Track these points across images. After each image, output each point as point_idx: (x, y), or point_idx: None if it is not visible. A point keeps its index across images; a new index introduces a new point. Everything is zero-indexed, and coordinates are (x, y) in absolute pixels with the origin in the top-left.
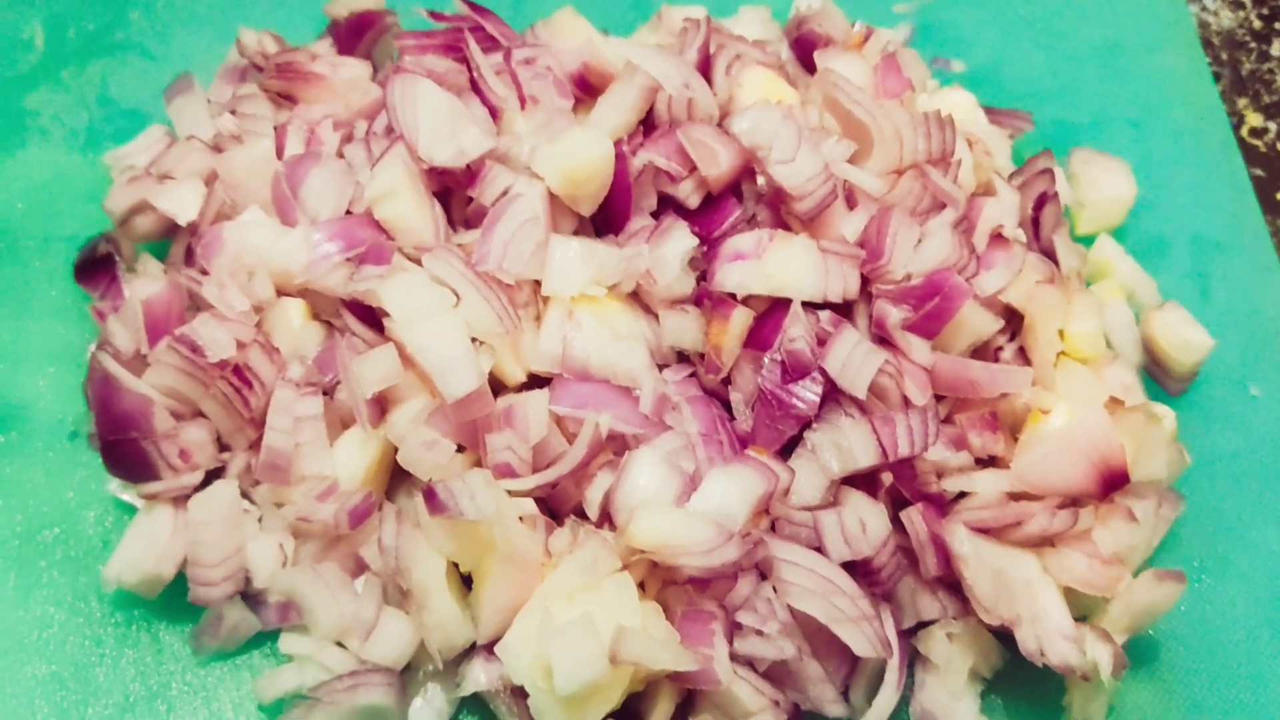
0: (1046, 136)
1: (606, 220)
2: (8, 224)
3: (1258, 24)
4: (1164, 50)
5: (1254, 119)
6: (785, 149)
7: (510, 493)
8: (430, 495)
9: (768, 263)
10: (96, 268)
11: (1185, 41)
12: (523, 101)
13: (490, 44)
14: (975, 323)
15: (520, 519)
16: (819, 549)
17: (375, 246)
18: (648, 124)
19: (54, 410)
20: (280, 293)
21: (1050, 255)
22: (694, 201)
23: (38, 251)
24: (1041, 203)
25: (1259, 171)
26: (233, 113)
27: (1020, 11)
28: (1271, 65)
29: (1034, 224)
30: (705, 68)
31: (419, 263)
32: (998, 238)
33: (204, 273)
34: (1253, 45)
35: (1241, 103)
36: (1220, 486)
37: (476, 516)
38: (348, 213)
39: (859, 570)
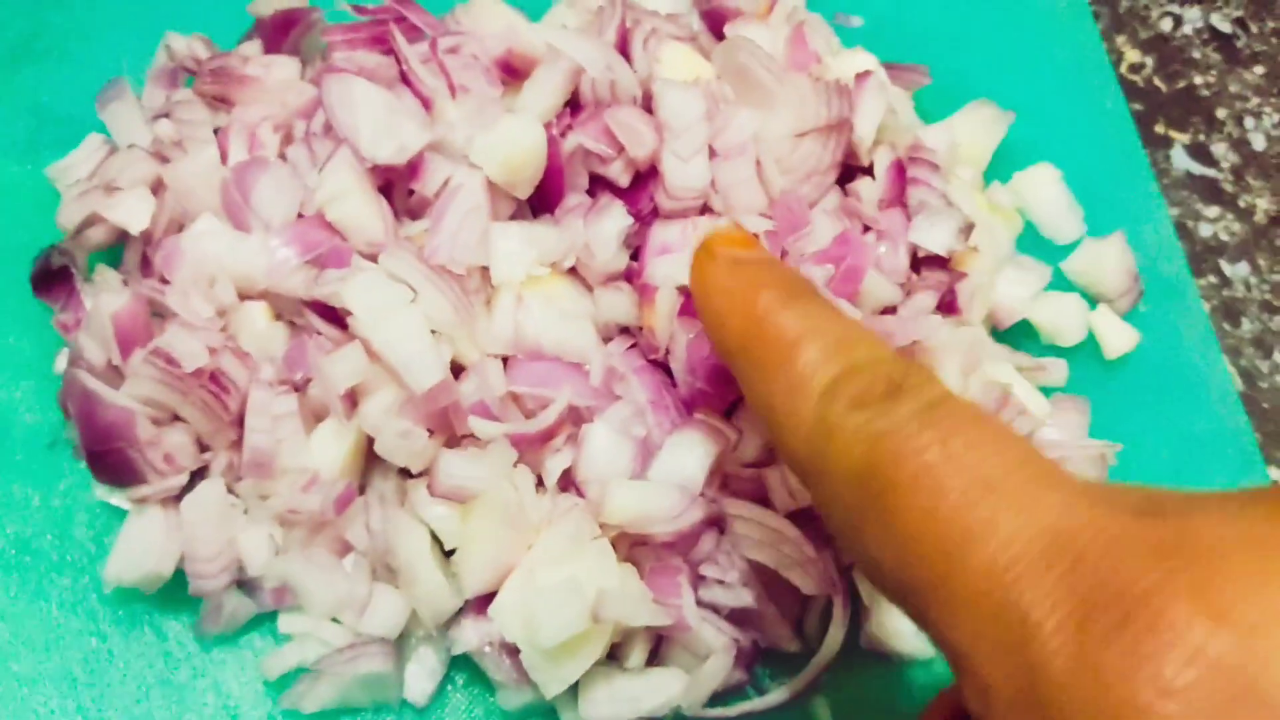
0: (941, 86)
1: (540, 201)
2: None
3: None
4: None
5: (1132, 55)
6: (688, 147)
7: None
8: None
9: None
10: (53, 280)
11: None
12: (453, 90)
13: (414, 33)
14: (877, 289)
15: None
16: (764, 502)
17: (334, 250)
18: (572, 104)
19: (29, 421)
20: (241, 296)
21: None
22: (624, 180)
23: None
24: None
25: (1139, 106)
26: (167, 117)
27: None
28: (1147, 2)
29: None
30: (623, 45)
31: (372, 259)
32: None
33: (164, 281)
34: None
35: (1120, 39)
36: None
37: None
38: (299, 215)
39: (803, 518)
